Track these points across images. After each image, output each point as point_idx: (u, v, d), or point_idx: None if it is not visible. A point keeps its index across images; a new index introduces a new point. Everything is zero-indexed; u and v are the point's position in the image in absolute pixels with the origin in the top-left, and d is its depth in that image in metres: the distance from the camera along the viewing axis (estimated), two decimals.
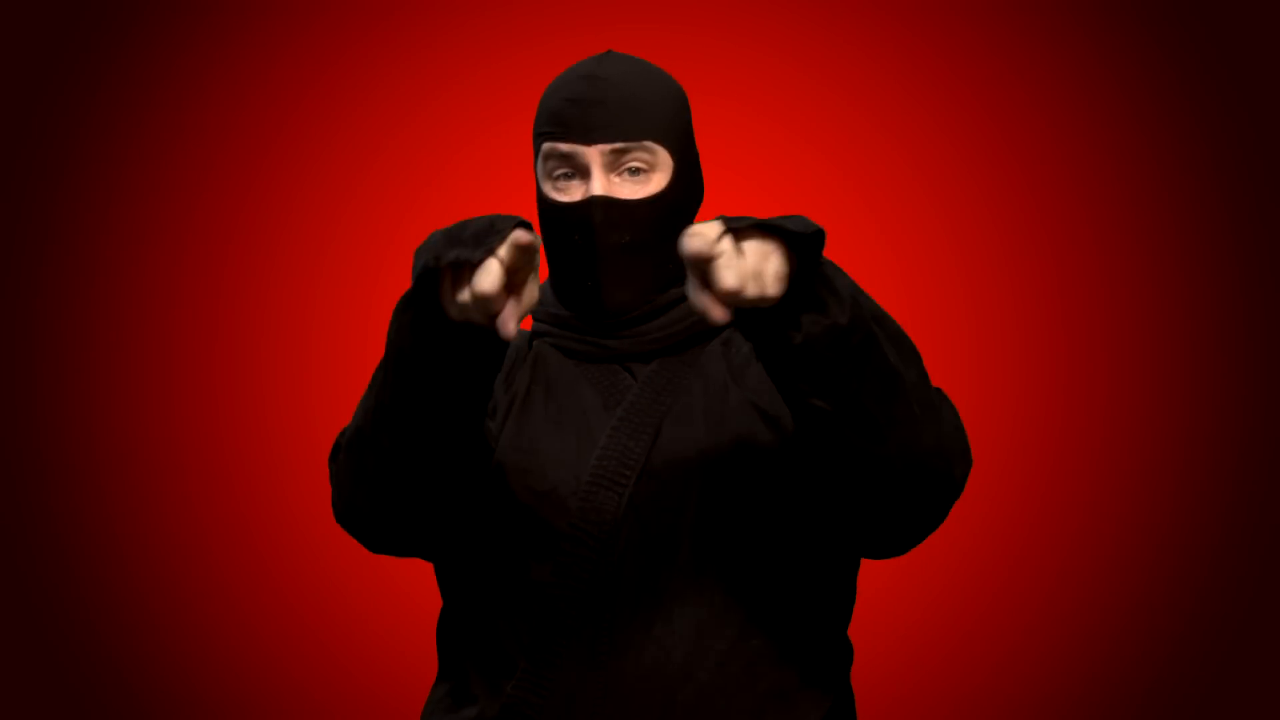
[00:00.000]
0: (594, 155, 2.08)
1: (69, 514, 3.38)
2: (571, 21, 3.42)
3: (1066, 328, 3.39)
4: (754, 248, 1.83)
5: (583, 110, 2.08)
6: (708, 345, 2.14)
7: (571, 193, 2.10)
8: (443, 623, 2.14)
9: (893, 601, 3.22)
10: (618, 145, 2.08)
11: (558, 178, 2.11)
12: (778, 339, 1.88)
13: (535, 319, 2.20)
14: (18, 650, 3.33)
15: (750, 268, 1.82)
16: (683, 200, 2.13)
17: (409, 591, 2.93)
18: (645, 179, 2.09)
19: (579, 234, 2.08)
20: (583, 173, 2.09)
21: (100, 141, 3.42)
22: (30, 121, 3.40)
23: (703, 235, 1.80)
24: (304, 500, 3.34)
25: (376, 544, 2.04)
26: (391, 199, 3.44)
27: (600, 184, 2.08)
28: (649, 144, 2.09)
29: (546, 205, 2.12)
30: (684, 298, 2.12)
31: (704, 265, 1.80)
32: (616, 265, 2.08)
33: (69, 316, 3.42)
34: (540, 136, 2.13)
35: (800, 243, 1.85)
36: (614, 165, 2.09)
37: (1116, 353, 3.38)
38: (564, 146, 2.09)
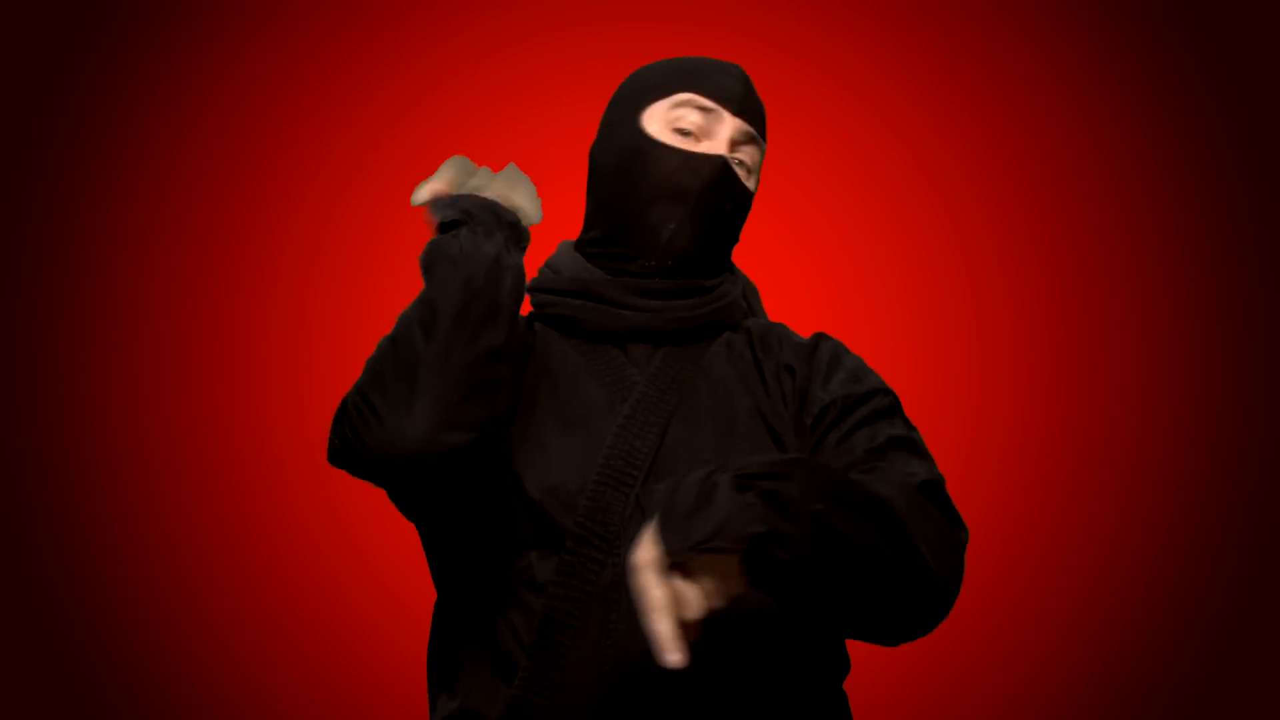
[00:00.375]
0: (732, 126, 2.14)
1: (69, 514, 3.38)
2: (571, 21, 3.42)
3: (1066, 328, 3.39)
4: (705, 565, 1.75)
5: (733, 82, 2.16)
6: (712, 344, 2.14)
7: (692, 145, 2.13)
8: (434, 644, 2.12)
9: None
10: (752, 130, 2.16)
11: (680, 129, 2.14)
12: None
13: (544, 290, 2.18)
14: (18, 650, 3.33)
15: (709, 587, 1.75)
16: (748, 210, 2.20)
17: (409, 591, 2.93)
18: (748, 175, 2.17)
19: (693, 180, 2.11)
20: (710, 135, 2.14)
21: (100, 141, 3.42)
22: (30, 121, 3.41)
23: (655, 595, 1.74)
24: (304, 500, 3.34)
25: (406, 476, 2.00)
26: (391, 199, 3.44)
27: (727, 150, 2.13)
28: (763, 145, 2.19)
29: (658, 146, 2.13)
30: (713, 287, 2.16)
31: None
32: (704, 222, 2.12)
33: (69, 316, 3.42)
34: (678, 86, 2.16)
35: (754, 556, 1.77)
36: (737, 146, 2.15)
37: (1116, 353, 3.38)
38: (708, 102, 2.14)
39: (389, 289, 3.41)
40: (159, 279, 3.43)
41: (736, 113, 2.15)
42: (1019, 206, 3.41)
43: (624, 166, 2.15)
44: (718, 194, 2.12)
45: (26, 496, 3.37)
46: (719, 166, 2.12)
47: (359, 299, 3.41)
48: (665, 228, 2.12)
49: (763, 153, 2.20)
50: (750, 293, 2.30)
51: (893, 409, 2.11)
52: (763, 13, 3.42)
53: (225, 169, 3.44)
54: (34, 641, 3.34)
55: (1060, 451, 3.36)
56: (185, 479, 3.40)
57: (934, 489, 1.99)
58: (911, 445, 2.08)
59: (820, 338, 2.19)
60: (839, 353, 2.16)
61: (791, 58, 3.42)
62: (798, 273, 3.35)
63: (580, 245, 2.21)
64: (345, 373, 3.34)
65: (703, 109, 2.14)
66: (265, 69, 3.44)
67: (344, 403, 2.09)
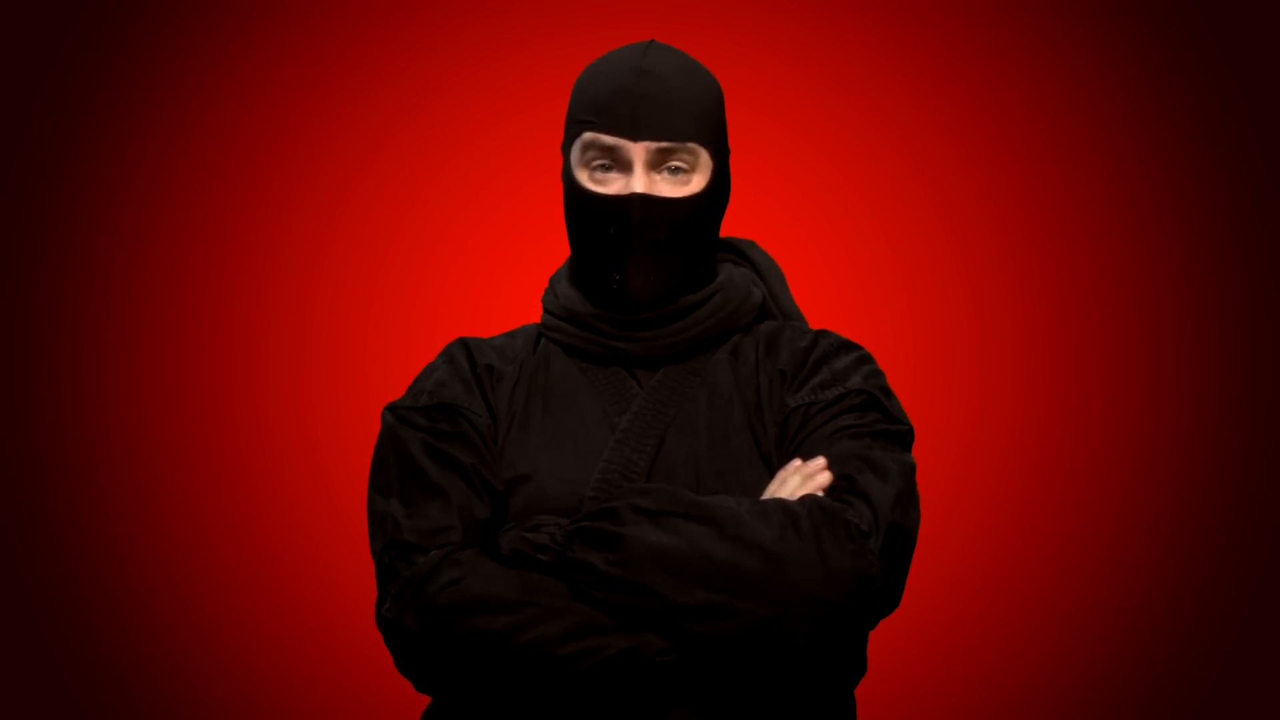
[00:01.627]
0: (639, 151, 2.07)
1: (69, 514, 3.38)
2: (571, 22, 3.42)
3: (1066, 328, 3.39)
4: None
5: (631, 104, 2.07)
6: (715, 353, 2.13)
7: (609, 184, 2.08)
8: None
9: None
10: (664, 144, 2.07)
11: (595, 168, 2.09)
12: None
13: (547, 310, 2.19)
14: (18, 650, 3.33)
15: None
16: (717, 201, 2.13)
17: None
18: (685, 179, 2.09)
19: (615, 227, 2.06)
20: (623, 166, 2.07)
21: (100, 141, 3.42)
22: (30, 121, 3.40)
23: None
24: (304, 500, 3.34)
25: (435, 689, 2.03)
26: (391, 199, 3.44)
27: (642, 181, 2.06)
28: (693, 145, 2.08)
29: (581, 193, 2.10)
30: (702, 302, 2.12)
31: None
32: (649, 262, 2.07)
33: (69, 316, 3.42)
34: (581, 124, 2.10)
35: None
36: (657, 163, 2.07)
37: (1116, 353, 3.38)
38: (608, 139, 2.07)
39: (389, 289, 3.41)
40: (159, 279, 3.43)
41: (641, 137, 2.07)
42: (1019, 206, 3.41)
43: (568, 207, 2.13)
44: (647, 230, 2.06)
45: (26, 496, 3.37)
46: (630, 205, 2.06)
47: (359, 299, 3.41)
48: (613, 279, 2.08)
49: (701, 140, 2.10)
50: (770, 278, 2.25)
51: (863, 406, 2.06)
52: (763, 13, 3.42)
53: (225, 169, 3.44)
54: (34, 641, 3.34)
55: (1060, 451, 3.36)
56: (185, 479, 3.40)
57: (823, 502, 1.96)
58: (863, 447, 2.02)
59: (818, 336, 2.17)
60: (829, 353, 2.13)
61: (791, 58, 3.42)
62: (798, 273, 3.35)
63: (571, 268, 2.19)
64: (345, 372, 3.35)
65: (605, 148, 2.08)
66: (265, 69, 3.44)
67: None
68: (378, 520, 2.06)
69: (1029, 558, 3.35)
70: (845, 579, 1.91)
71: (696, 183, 2.09)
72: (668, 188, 2.07)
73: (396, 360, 3.31)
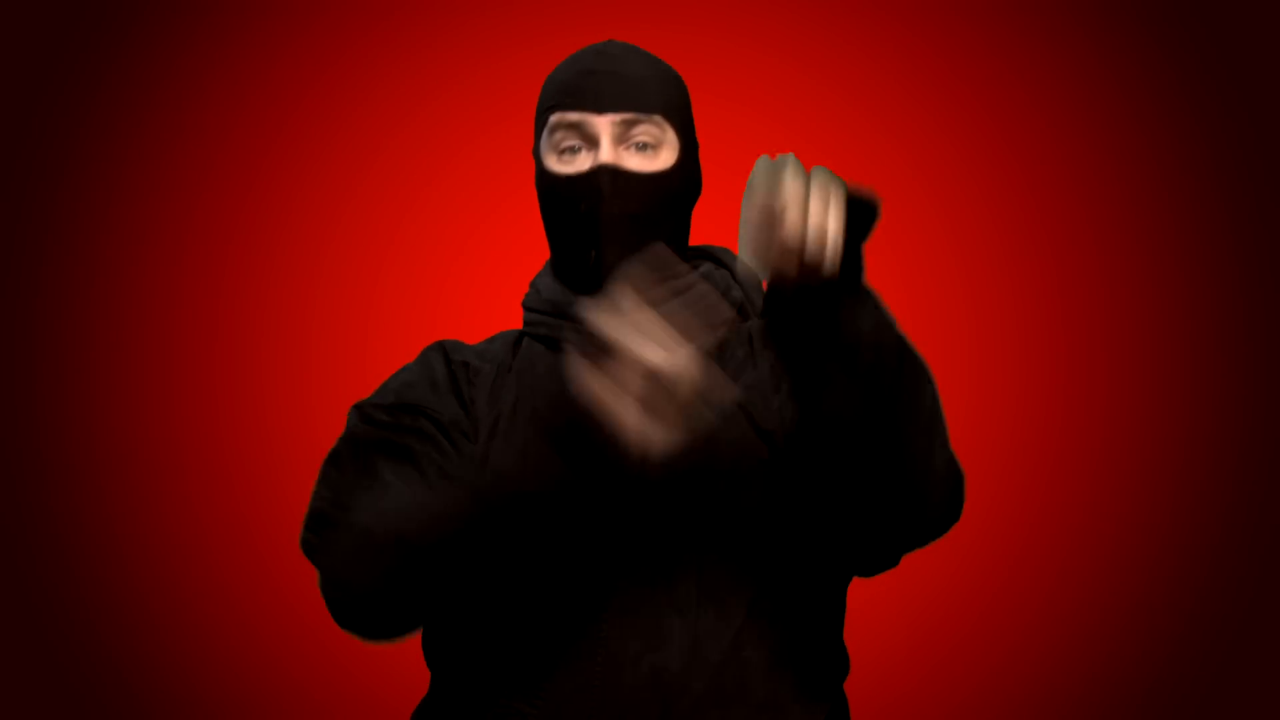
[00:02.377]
0: (604, 125, 2.06)
1: (69, 514, 3.38)
2: (571, 22, 3.42)
3: (1066, 328, 3.39)
4: (818, 197, 1.85)
5: (595, 80, 2.07)
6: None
7: (578, 164, 2.07)
8: (428, 637, 2.12)
9: (892, 601, 3.22)
10: (629, 115, 2.07)
11: (563, 150, 2.08)
12: (822, 327, 1.87)
13: (528, 308, 2.18)
14: (18, 650, 3.34)
15: (816, 222, 1.84)
16: (687, 185, 2.11)
17: None
18: (653, 155, 2.08)
19: (585, 203, 2.05)
20: (590, 142, 2.07)
21: (100, 141, 3.42)
22: (30, 121, 3.41)
23: (780, 162, 1.83)
24: (304, 500, 3.34)
25: (386, 636, 2.01)
26: (391, 199, 3.44)
27: (609, 153, 2.05)
28: (659, 118, 2.08)
29: (550, 178, 2.09)
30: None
31: (773, 203, 1.81)
32: (621, 236, 2.06)
33: (69, 316, 3.42)
34: (547, 110, 2.10)
35: (862, 211, 1.89)
36: (623, 137, 2.07)
37: (1116, 353, 3.38)
38: (573, 115, 2.07)
39: (389, 289, 3.41)
40: (159, 279, 3.44)
41: (605, 109, 2.06)
42: (1019, 206, 3.41)
43: (541, 200, 2.13)
44: (616, 203, 2.05)
45: (26, 496, 3.38)
46: (599, 178, 2.05)
47: (359, 299, 3.41)
48: (589, 257, 2.07)
49: (666, 114, 2.09)
50: (747, 285, 2.23)
51: None
52: (763, 13, 3.42)
53: (225, 169, 3.45)
54: (34, 641, 3.34)
55: (1060, 451, 3.36)
56: (185, 479, 3.40)
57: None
58: None
59: None
60: None
61: (791, 58, 3.42)
62: None
63: (550, 264, 2.20)
64: (345, 372, 3.35)
65: (571, 125, 2.07)
66: (265, 69, 3.44)
67: (314, 530, 2.11)
68: (310, 508, 2.10)
69: (1029, 558, 3.35)
70: (957, 486, 1.97)
71: (665, 158, 2.09)
72: (635, 162, 2.07)
73: (396, 360, 3.31)
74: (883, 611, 3.11)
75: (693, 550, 2.00)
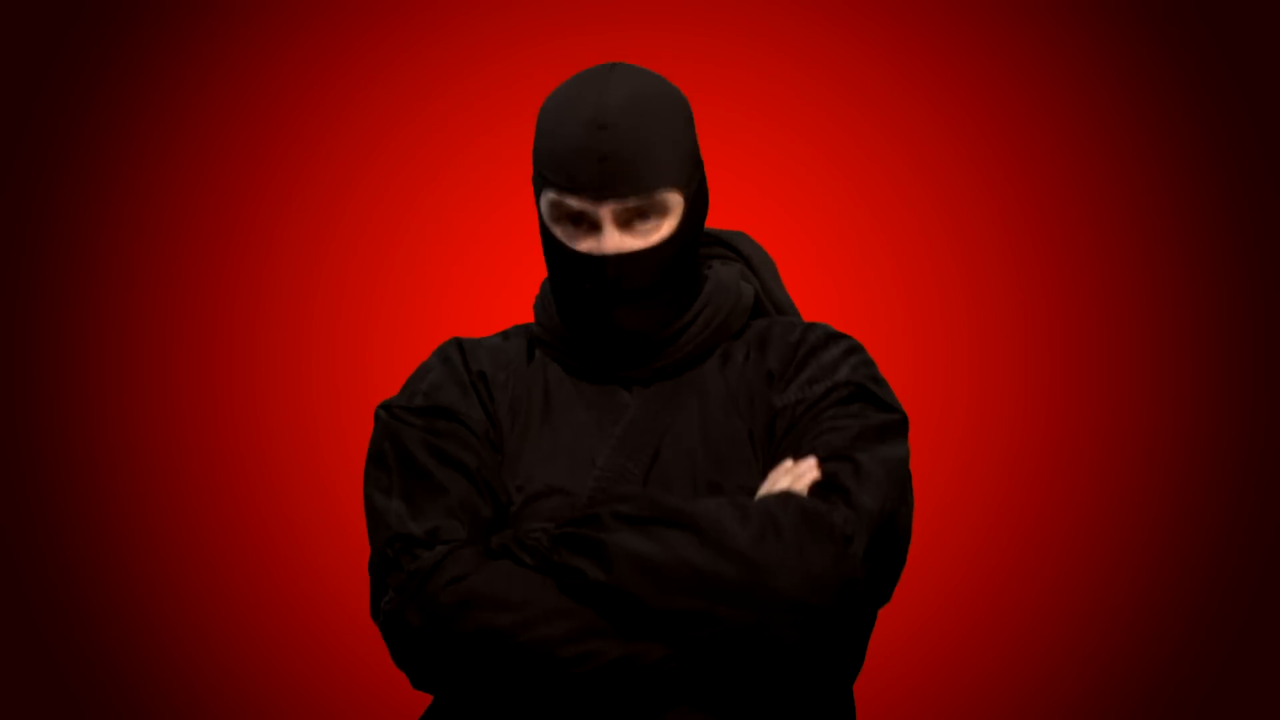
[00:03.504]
0: (605, 213, 2.01)
1: (69, 514, 3.38)
2: (571, 22, 3.41)
3: (1066, 328, 3.39)
4: None
5: (593, 166, 2.00)
6: (708, 361, 2.10)
7: (580, 239, 2.03)
8: None
9: (892, 601, 3.21)
10: (630, 203, 2.01)
11: (565, 223, 2.04)
12: None
13: (539, 320, 2.15)
14: (18, 650, 3.33)
15: None
16: (694, 227, 2.08)
17: None
18: (658, 223, 2.03)
19: (591, 282, 2.03)
20: (592, 225, 2.02)
21: (100, 141, 3.42)
22: (30, 121, 3.40)
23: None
24: (304, 500, 3.34)
25: (435, 689, 2.03)
26: (391, 199, 3.44)
27: (612, 240, 2.01)
28: (661, 194, 2.02)
29: (556, 245, 2.06)
30: (692, 321, 2.09)
31: None
32: (629, 308, 2.04)
33: (69, 316, 3.42)
34: (545, 183, 2.05)
35: None
36: (625, 218, 2.02)
37: (1117, 353, 3.38)
38: (574, 202, 2.02)
39: (389, 289, 3.41)
40: (159, 279, 3.43)
41: (606, 198, 2.00)
42: (1019, 206, 3.41)
43: (546, 249, 2.09)
44: (624, 283, 2.02)
45: (26, 496, 3.37)
46: (604, 265, 2.01)
47: (359, 299, 3.40)
48: (594, 329, 2.05)
49: (670, 185, 2.03)
50: (762, 271, 2.21)
51: (850, 398, 2.03)
52: (763, 13, 3.42)
53: (225, 169, 3.44)
54: (34, 641, 3.34)
55: (1060, 451, 3.36)
56: (185, 479, 3.40)
57: (805, 504, 1.94)
58: (849, 441, 1.99)
59: (806, 330, 2.12)
60: (816, 346, 2.09)
61: (791, 58, 3.41)
62: (797, 273, 3.35)
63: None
64: (345, 372, 3.35)
65: (570, 209, 2.03)
66: (265, 69, 3.44)
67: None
68: (378, 516, 2.04)
69: (1029, 558, 3.35)
70: (827, 583, 1.90)
71: (669, 225, 2.04)
72: (640, 239, 2.03)
73: (396, 360, 3.30)
74: (882, 611, 3.11)
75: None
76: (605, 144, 2.00)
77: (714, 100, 3.24)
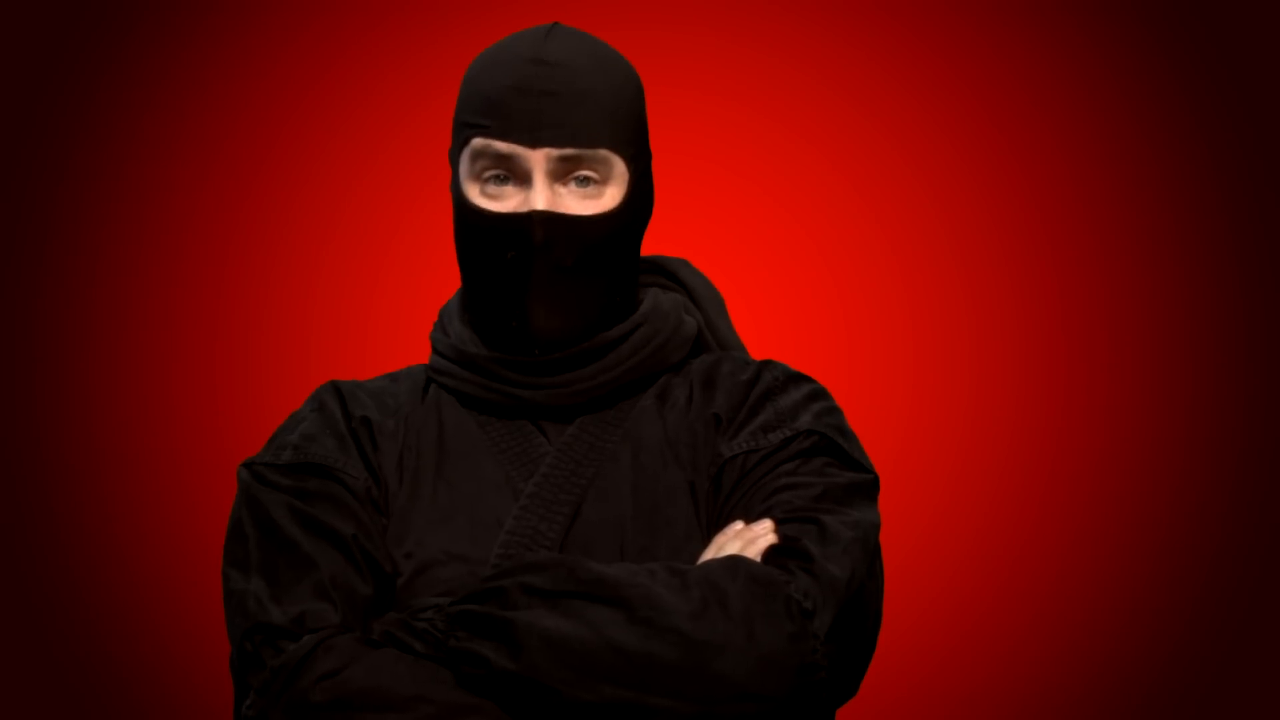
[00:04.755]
0: (538, 160, 1.75)
1: (69, 514, 3.38)
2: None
3: (1066, 328, 3.38)
4: None
5: (530, 103, 1.76)
6: (640, 399, 1.81)
7: (505, 199, 1.78)
8: None
9: (892, 601, 3.21)
10: (569, 151, 1.75)
11: (488, 179, 1.79)
12: None
13: (436, 350, 1.89)
14: (18, 650, 3.33)
15: None
16: (637, 217, 1.82)
17: None
18: (596, 191, 1.77)
19: (513, 250, 1.77)
20: (521, 178, 1.77)
21: (100, 141, 3.42)
22: (30, 121, 3.40)
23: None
24: None
25: None
26: (391, 199, 3.43)
27: (543, 195, 1.75)
28: (604, 153, 1.77)
29: (470, 211, 1.79)
30: (623, 337, 1.81)
31: None
32: (554, 291, 1.77)
33: (69, 316, 3.42)
34: (469, 127, 1.81)
35: None
36: (561, 174, 1.77)
37: (1117, 353, 3.38)
38: (501, 146, 1.77)
39: (389, 289, 3.41)
40: (159, 279, 3.43)
41: (541, 142, 1.73)
42: (1019, 206, 3.41)
43: (457, 227, 1.84)
44: (551, 254, 1.74)
45: (26, 496, 3.37)
46: (530, 224, 1.73)
47: (359, 299, 3.40)
48: (512, 316, 1.77)
49: (614, 146, 1.76)
50: (706, 304, 1.92)
51: (813, 451, 1.74)
52: (763, 13, 3.42)
53: (225, 169, 3.44)
54: (34, 641, 3.34)
55: (1060, 452, 3.36)
56: (185, 479, 3.39)
57: (757, 572, 1.61)
58: (813, 502, 1.70)
59: (761, 368, 1.83)
60: (773, 388, 1.80)
61: (791, 58, 3.41)
62: (797, 273, 3.35)
63: (463, 299, 1.88)
64: (345, 372, 3.33)
65: (498, 155, 1.75)
66: (265, 69, 3.44)
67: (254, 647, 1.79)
68: (235, 600, 1.79)
69: (1029, 558, 3.35)
70: (782, 668, 1.59)
71: (610, 197, 1.77)
72: (575, 202, 1.76)
73: (396, 360, 3.30)
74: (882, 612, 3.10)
75: None
76: (546, 80, 1.77)
77: (714, 100, 3.25)
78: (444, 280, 3.41)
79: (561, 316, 1.77)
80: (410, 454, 1.78)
